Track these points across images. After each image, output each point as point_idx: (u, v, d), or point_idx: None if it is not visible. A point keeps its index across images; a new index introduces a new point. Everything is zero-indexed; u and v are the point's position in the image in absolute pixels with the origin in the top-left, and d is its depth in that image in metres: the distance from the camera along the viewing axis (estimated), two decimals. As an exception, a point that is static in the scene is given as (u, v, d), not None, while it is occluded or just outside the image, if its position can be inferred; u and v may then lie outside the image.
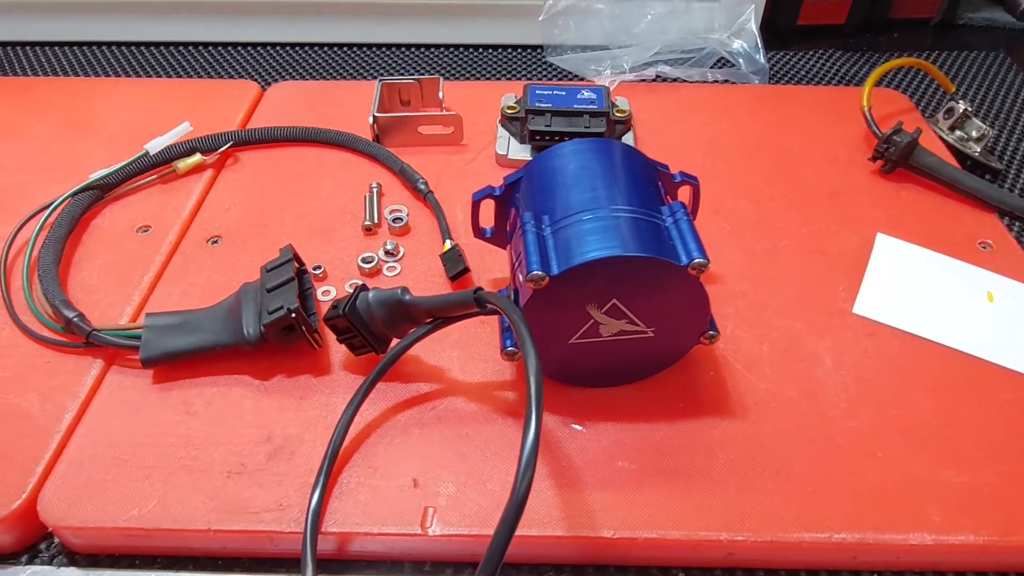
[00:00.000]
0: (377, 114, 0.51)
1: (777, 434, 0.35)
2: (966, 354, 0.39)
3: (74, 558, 0.33)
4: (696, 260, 0.31)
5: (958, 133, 0.55)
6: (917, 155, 0.49)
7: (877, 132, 0.51)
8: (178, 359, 0.37)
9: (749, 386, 0.37)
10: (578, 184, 0.34)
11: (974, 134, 0.55)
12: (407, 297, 0.34)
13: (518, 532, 0.30)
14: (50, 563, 0.33)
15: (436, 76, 0.55)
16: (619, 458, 0.34)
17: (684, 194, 0.39)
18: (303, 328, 0.36)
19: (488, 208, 0.39)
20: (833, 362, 0.38)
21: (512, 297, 0.34)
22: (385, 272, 0.43)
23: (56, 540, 0.33)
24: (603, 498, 0.32)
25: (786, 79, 0.67)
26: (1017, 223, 0.49)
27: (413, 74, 0.66)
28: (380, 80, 0.55)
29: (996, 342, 0.39)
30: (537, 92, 0.53)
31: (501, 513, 0.24)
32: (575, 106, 0.51)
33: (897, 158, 0.49)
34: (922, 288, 0.42)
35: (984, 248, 0.45)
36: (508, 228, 0.39)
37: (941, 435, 0.35)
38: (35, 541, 0.33)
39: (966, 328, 0.40)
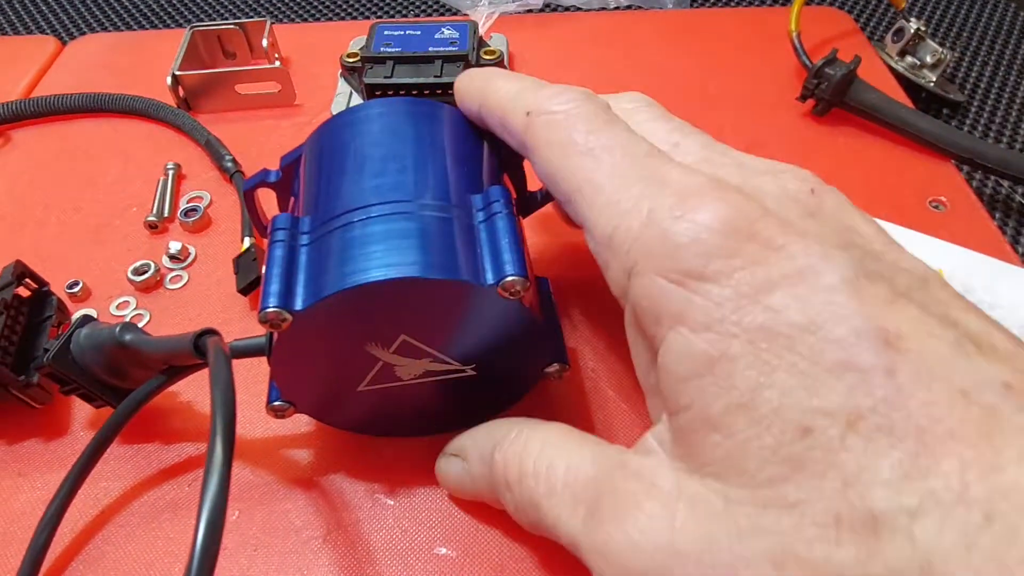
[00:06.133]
0: (178, 72, 0.41)
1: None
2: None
3: None
4: (508, 278, 0.21)
5: (909, 59, 0.45)
6: (855, 91, 0.39)
7: (807, 63, 0.41)
8: None
9: (624, 421, 0.28)
10: (357, 168, 0.24)
11: (929, 60, 0.45)
12: (128, 337, 0.25)
13: None
14: None
15: (263, 19, 0.44)
16: (440, 541, 0.25)
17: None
18: (7, 386, 0.26)
19: (271, 197, 0.29)
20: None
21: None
22: (167, 285, 0.33)
23: None
24: (410, 604, 0.23)
25: (710, 2, 0.56)
26: (979, 172, 0.40)
27: (260, 16, 0.55)
28: (191, 27, 0.43)
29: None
30: (385, 34, 0.42)
31: None
32: (429, 49, 0.40)
33: (830, 96, 0.40)
34: (856, 268, 0.33)
35: (936, 208, 0.36)
36: None
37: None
38: None
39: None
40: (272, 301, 0.21)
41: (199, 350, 0.22)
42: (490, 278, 0.21)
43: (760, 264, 0.16)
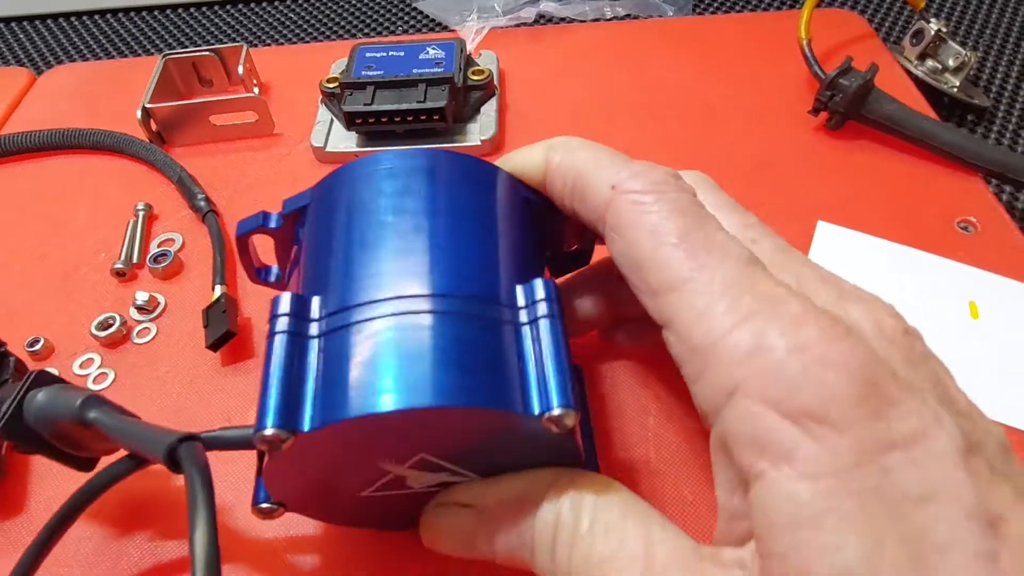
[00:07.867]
0: (149, 105, 0.38)
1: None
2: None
3: None
4: (555, 411, 0.18)
5: (930, 63, 0.42)
6: (872, 102, 0.37)
7: (820, 73, 0.38)
8: None
9: (673, 498, 0.25)
10: (380, 241, 0.20)
11: (951, 63, 0.42)
12: (91, 415, 0.22)
13: None
14: None
15: (238, 44, 0.42)
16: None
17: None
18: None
19: (267, 240, 0.26)
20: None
21: None
22: (135, 339, 0.31)
23: None
24: None
25: (714, 7, 0.53)
26: (1009, 186, 0.37)
27: (244, 38, 0.53)
28: (164, 56, 0.41)
29: (983, 381, 0.27)
30: (367, 56, 0.39)
31: None
32: (414, 72, 0.38)
33: (845, 108, 0.37)
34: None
35: (965, 230, 0.33)
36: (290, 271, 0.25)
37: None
38: None
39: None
40: (271, 420, 0.17)
41: (174, 462, 0.19)
42: (535, 408, 0.18)
43: (880, 419, 0.15)
